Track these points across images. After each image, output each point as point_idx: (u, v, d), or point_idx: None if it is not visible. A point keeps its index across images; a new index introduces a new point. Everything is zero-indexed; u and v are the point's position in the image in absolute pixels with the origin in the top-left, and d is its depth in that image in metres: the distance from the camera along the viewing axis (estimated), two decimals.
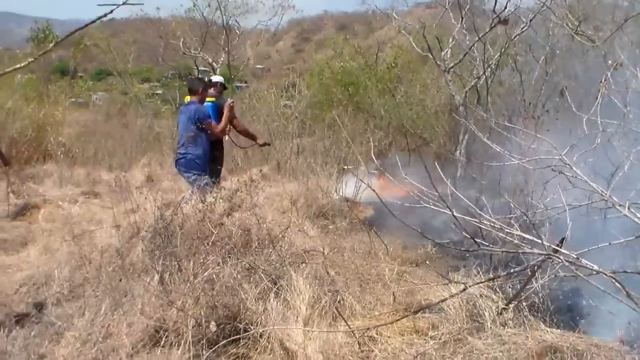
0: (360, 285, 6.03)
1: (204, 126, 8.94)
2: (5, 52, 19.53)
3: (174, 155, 9.65)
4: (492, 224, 4.27)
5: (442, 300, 4.79)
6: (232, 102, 9.88)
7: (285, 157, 14.43)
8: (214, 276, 5.27)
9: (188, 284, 5.19)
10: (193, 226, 6.09)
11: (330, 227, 8.23)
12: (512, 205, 5.44)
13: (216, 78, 10.69)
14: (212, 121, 9.26)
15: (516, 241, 4.23)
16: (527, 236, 4.19)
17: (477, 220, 4.33)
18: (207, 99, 9.59)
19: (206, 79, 10.43)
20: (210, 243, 5.65)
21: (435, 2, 16.49)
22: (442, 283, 5.22)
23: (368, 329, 4.84)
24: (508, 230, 4.25)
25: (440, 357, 4.36)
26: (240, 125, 10.38)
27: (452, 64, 15.01)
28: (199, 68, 26.20)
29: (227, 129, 9.78)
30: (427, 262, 7.11)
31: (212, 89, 10.04)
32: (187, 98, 9.64)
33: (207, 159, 9.08)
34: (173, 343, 4.82)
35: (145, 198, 7.79)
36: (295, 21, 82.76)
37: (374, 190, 4.79)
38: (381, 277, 6.25)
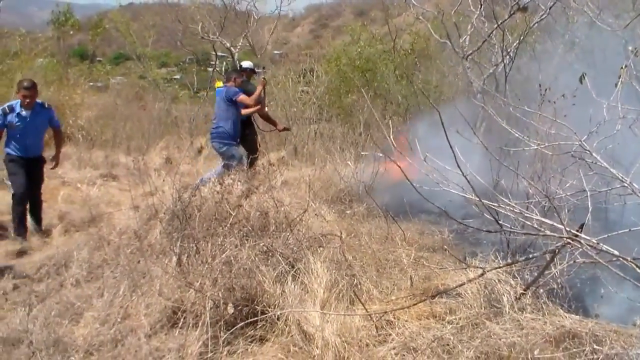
0: (377, 270, 5.99)
1: (235, 99, 9.82)
2: (27, 35, 19.51)
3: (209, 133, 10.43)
4: (511, 208, 4.25)
5: (460, 285, 4.76)
6: (265, 80, 10.73)
7: (303, 142, 14.41)
8: (232, 258, 5.26)
9: (206, 266, 5.19)
10: (211, 208, 6.10)
11: (348, 212, 8.20)
12: (530, 191, 5.41)
13: (246, 64, 11.42)
14: (242, 94, 9.91)
15: (535, 226, 4.20)
16: (546, 221, 4.16)
17: (497, 205, 4.30)
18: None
19: (238, 65, 11.50)
20: (228, 225, 5.64)
21: None
22: (460, 268, 5.18)
23: (385, 312, 4.82)
24: (527, 215, 4.22)
25: (458, 341, 4.33)
26: (262, 110, 10.90)
27: (470, 51, 14.92)
28: (217, 53, 26.15)
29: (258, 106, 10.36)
30: (445, 247, 7.06)
31: (241, 74, 10.72)
32: (219, 84, 10.69)
33: (236, 133, 9.92)
34: (191, 324, 4.82)
35: (164, 180, 7.84)
36: (314, 7, 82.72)
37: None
38: (398, 262, 6.22)
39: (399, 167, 4.76)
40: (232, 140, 9.84)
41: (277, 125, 11.48)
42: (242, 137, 10.20)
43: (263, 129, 12.15)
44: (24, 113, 8.40)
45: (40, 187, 8.79)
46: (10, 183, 8.70)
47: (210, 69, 34.59)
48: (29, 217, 8.48)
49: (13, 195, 8.39)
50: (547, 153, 5.04)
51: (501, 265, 4.70)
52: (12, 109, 8.37)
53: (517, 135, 5.05)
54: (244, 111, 10.10)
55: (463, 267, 5.07)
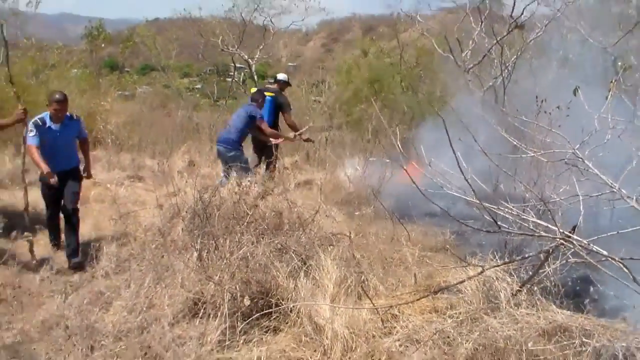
0: (383, 267, 6.00)
1: (254, 120, 9.82)
2: (64, 48, 19.67)
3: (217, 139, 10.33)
4: (509, 211, 4.26)
5: (461, 282, 4.77)
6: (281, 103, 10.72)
7: (315, 148, 14.40)
8: (249, 254, 5.31)
9: (224, 261, 5.24)
10: (229, 208, 6.14)
11: (356, 213, 8.21)
12: (526, 195, 5.42)
13: (280, 76, 11.26)
14: (264, 120, 10.04)
15: (531, 227, 4.22)
16: (541, 222, 4.17)
17: (496, 207, 4.31)
18: (267, 94, 10.48)
19: (276, 77, 11.30)
20: (245, 223, 5.67)
21: (457, 7, 16.43)
22: (461, 266, 5.19)
23: (391, 306, 4.84)
24: (524, 217, 4.23)
25: (458, 334, 4.35)
26: (289, 120, 10.95)
27: (471, 65, 14.93)
28: (236, 65, 26.26)
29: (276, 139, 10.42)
30: (447, 247, 7.08)
31: (275, 84, 10.96)
32: (253, 89, 10.97)
33: (241, 143, 9.86)
34: (210, 315, 4.87)
35: (186, 182, 7.88)
36: (325, 22, 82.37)
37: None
38: (403, 261, 6.23)
39: (406, 172, 4.76)
40: (237, 149, 9.77)
41: (302, 135, 11.36)
42: (263, 142, 10.31)
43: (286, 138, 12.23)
44: (54, 127, 7.45)
45: (74, 200, 7.63)
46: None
47: (229, 79, 34.77)
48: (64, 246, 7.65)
49: (46, 207, 7.74)
50: (542, 160, 5.04)
51: (499, 264, 4.71)
52: (43, 122, 7.41)
53: (515, 143, 5.07)
54: (263, 136, 10.20)
55: (464, 266, 5.07)
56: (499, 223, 4.19)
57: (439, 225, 8.44)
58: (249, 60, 21.48)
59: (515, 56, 14.43)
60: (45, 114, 7.47)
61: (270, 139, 10.24)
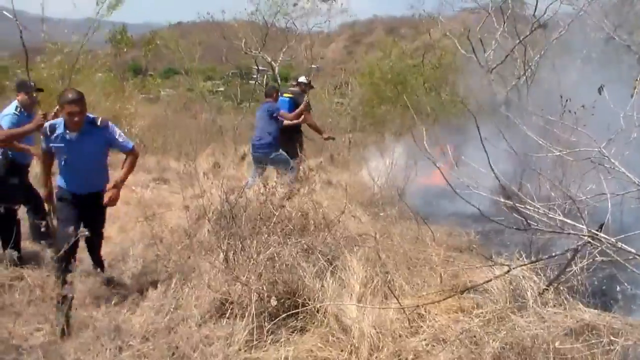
0: (409, 268, 6.01)
1: (276, 116, 10.25)
2: (89, 52, 19.86)
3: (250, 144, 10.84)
4: (536, 210, 4.26)
5: (488, 281, 4.76)
6: (308, 101, 11.12)
7: (338, 149, 14.45)
8: (275, 255, 5.33)
9: (251, 262, 5.26)
10: (255, 209, 6.18)
11: (381, 214, 8.21)
12: (552, 194, 5.41)
13: (301, 78, 11.86)
14: (283, 110, 10.55)
15: (558, 225, 4.21)
16: (568, 221, 4.16)
17: (523, 206, 4.32)
18: (286, 95, 11.00)
19: (298, 79, 11.84)
20: (271, 224, 5.70)
21: (479, 7, 16.39)
22: (487, 265, 5.18)
23: (418, 306, 4.85)
24: (551, 216, 4.23)
25: (485, 333, 4.35)
26: (310, 120, 11.42)
27: (494, 65, 14.90)
28: (259, 67, 26.40)
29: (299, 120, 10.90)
30: (473, 247, 7.09)
31: (296, 86, 11.49)
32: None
33: (277, 143, 10.28)
34: (237, 315, 4.89)
35: (212, 183, 7.93)
36: (347, 24, 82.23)
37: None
38: (428, 261, 6.23)
39: (440, 171, 4.78)
40: (276, 149, 10.19)
41: (323, 133, 11.95)
42: (289, 142, 10.56)
43: (308, 137, 12.47)
44: (68, 136, 5.73)
45: (98, 230, 6.36)
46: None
47: (252, 82, 34.91)
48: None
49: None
50: (567, 159, 5.03)
51: (526, 263, 4.71)
52: (53, 129, 5.76)
53: (540, 142, 5.06)
54: (285, 122, 10.54)
55: (490, 265, 5.06)
56: (528, 221, 4.19)
57: (463, 226, 8.45)
58: (272, 62, 21.60)
59: (538, 56, 14.39)
60: (60, 120, 5.81)
61: (294, 121, 10.77)
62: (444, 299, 4.84)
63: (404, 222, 8.09)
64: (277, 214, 5.70)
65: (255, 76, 31.39)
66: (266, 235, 5.57)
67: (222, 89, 46.65)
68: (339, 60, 61.20)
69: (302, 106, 10.78)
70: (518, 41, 14.35)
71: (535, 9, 14.25)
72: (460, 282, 5.54)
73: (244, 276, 5.13)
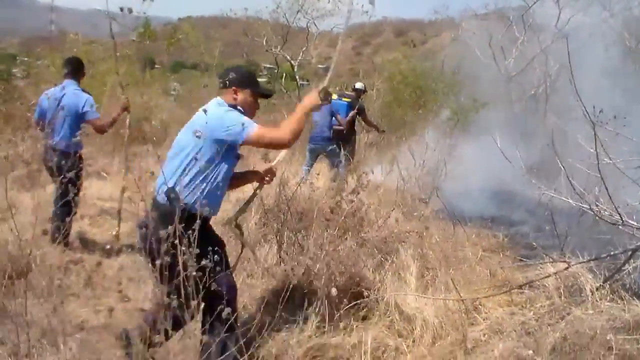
0: (447, 265, 6.26)
1: (334, 115, 11.66)
2: (107, 43, 19.92)
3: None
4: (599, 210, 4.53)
5: (547, 277, 5.02)
6: (359, 108, 12.37)
7: (360, 149, 14.66)
8: (339, 247, 5.58)
9: (320, 252, 5.46)
10: (313, 203, 6.47)
11: (414, 214, 8.45)
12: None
13: (358, 85, 13.15)
14: (340, 113, 11.85)
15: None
16: (633, 223, 4.45)
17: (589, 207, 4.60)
18: (344, 99, 12.19)
19: (354, 86, 13.24)
20: (332, 219, 5.92)
21: (502, 15, 16.68)
22: (545, 262, 5.41)
23: (478, 297, 5.14)
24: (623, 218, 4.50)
25: (540, 326, 4.63)
26: (367, 120, 13.38)
27: (514, 73, 15.20)
28: (264, 65, 26.69)
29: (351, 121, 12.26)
30: (534, 244, 7.36)
31: (353, 92, 12.82)
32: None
33: (333, 137, 11.59)
34: (305, 304, 5.17)
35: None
36: (357, 25, 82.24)
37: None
38: (466, 259, 6.51)
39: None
40: (332, 143, 11.53)
41: (378, 128, 13.98)
42: (347, 140, 11.96)
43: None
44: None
45: None
46: None
47: (259, 79, 34.95)
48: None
49: None
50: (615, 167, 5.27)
51: (585, 260, 4.96)
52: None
53: (588, 149, 5.29)
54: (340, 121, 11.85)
55: (549, 261, 5.28)
56: (626, 221, 4.44)
57: (489, 228, 8.73)
58: (292, 61, 21.89)
59: (558, 65, 14.65)
60: None
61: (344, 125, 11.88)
62: (502, 293, 5.11)
63: (437, 222, 8.38)
64: (347, 208, 5.93)
65: (262, 73, 31.59)
66: (325, 229, 5.80)
67: None
68: (348, 61, 61.37)
69: (349, 116, 12.00)
70: (539, 50, 14.65)
71: (558, 19, 14.58)
72: (506, 278, 5.82)
73: (308, 267, 5.40)
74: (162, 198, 4.06)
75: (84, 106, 7.21)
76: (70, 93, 7.27)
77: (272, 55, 23.79)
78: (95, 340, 4.78)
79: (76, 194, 6.86)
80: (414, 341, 4.81)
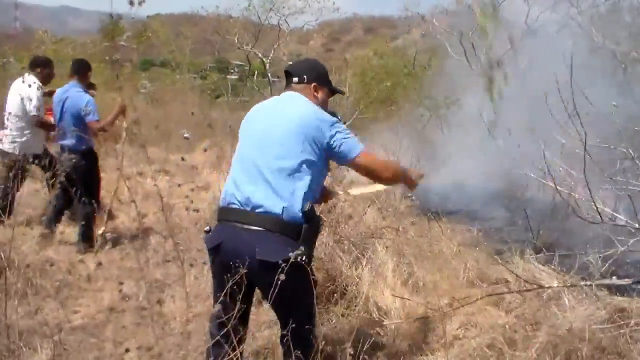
0: (423, 260, 6.29)
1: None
2: (75, 42, 19.80)
3: None
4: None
5: (549, 287, 4.73)
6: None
7: None
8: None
9: None
10: None
11: (389, 209, 8.49)
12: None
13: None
14: None
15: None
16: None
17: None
18: None
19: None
20: None
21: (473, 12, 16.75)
22: (561, 287, 5.26)
23: (450, 304, 5.01)
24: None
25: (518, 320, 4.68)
26: None
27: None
28: (235, 62, 26.65)
29: None
30: (481, 240, 7.42)
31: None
32: None
33: None
34: None
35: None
36: (326, 22, 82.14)
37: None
38: (442, 254, 6.53)
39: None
40: None
41: None
42: None
43: None
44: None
45: None
46: None
47: (230, 77, 34.90)
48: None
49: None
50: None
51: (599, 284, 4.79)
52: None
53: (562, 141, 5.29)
54: None
55: (565, 286, 4.88)
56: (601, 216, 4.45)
57: (462, 222, 8.82)
58: (264, 59, 21.92)
59: (527, 61, 14.75)
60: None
61: None
62: (479, 299, 5.03)
63: (411, 219, 8.43)
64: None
65: (232, 70, 31.55)
66: None
67: (199, 82, 46.47)
68: (318, 58, 61.47)
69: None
70: (509, 47, 14.72)
71: (527, 16, 14.69)
72: (479, 275, 5.87)
73: None
74: (290, 214, 3.37)
75: (84, 107, 7.35)
76: (73, 94, 7.44)
77: (243, 52, 23.81)
78: (74, 341, 4.77)
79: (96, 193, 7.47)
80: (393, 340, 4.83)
